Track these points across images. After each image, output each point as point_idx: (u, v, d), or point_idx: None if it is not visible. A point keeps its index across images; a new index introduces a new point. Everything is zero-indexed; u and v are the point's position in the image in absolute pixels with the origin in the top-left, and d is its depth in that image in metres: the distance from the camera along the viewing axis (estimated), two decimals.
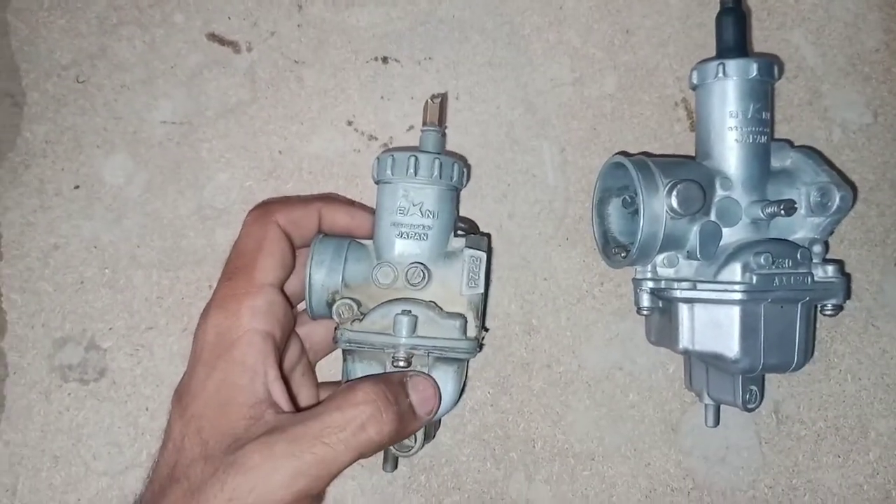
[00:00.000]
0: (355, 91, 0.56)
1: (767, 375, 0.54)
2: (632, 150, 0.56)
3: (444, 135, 0.50)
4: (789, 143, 0.52)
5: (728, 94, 0.48)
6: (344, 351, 0.47)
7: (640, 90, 0.57)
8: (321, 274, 0.46)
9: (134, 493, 0.51)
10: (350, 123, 0.56)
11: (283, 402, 0.41)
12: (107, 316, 0.54)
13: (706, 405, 0.52)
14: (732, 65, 0.48)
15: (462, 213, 0.54)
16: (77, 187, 0.55)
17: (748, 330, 0.46)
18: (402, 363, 0.44)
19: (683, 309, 0.48)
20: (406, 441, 0.46)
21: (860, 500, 0.55)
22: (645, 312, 0.50)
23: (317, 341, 0.50)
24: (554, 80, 0.57)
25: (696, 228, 0.47)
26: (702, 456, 0.55)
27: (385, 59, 0.57)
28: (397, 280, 0.46)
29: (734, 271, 0.46)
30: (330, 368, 0.53)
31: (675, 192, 0.45)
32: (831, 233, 0.50)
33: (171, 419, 0.41)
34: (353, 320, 0.45)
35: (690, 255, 0.48)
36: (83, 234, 0.54)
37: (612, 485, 0.55)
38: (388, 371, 0.45)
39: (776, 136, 0.56)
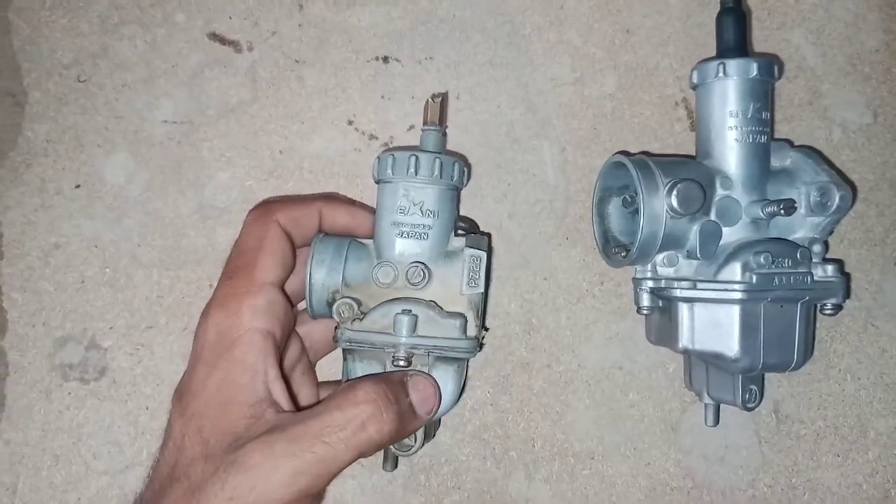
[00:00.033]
0: (356, 90, 0.56)
1: (767, 375, 0.54)
2: (632, 150, 0.56)
3: (444, 134, 0.50)
4: (789, 142, 0.53)
5: (728, 93, 0.48)
6: (344, 350, 0.47)
7: (640, 90, 0.57)
8: (321, 273, 0.46)
9: (134, 492, 0.51)
10: (351, 123, 0.56)
11: (284, 401, 0.41)
12: (107, 315, 0.54)
13: (706, 404, 0.52)
14: (733, 64, 0.48)
15: (462, 213, 0.54)
16: (78, 186, 0.55)
17: (748, 329, 0.46)
18: (402, 362, 0.44)
19: (683, 308, 0.48)
20: (406, 440, 0.46)
21: (859, 500, 0.55)
22: (645, 312, 0.50)
23: (317, 340, 0.51)
24: (554, 80, 0.57)
25: (696, 228, 0.47)
26: (701, 455, 0.56)
27: (386, 59, 0.57)
28: (398, 279, 0.46)
29: (734, 271, 0.46)
30: (330, 368, 0.53)
31: (675, 192, 0.45)
32: (831, 232, 0.50)
33: (171, 418, 0.41)
34: (354, 319, 0.45)
35: (690, 255, 0.48)
36: (84, 234, 0.55)
37: (612, 484, 0.55)
38: (388, 370, 0.45)
39: (776, 135, 0.56)
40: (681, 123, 0.57)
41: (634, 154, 0.51)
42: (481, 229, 0.53)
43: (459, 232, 0.49)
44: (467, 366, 0.48)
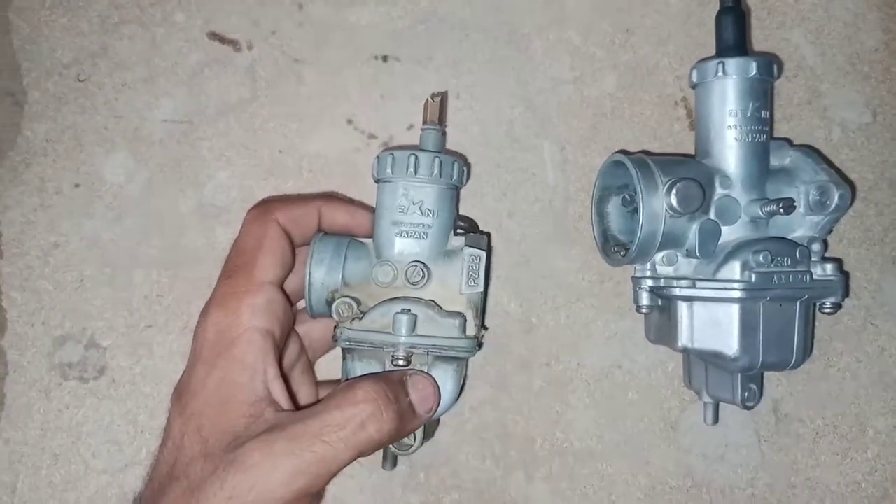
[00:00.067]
0: (355, 90, 0.56)
1: (766, 373, 0.54)
2: (631, 149, 0.56)
3: (444, 133, 0.50)
4: (788, 141, 0.53)
5: (728, 92, 0.48)
6: (343, 349, 0.47)
7: (640, 89, 0.57)
8: (321, 272, 0.46)
9: (133, 491, 0.51)
10: (350, 122, 0.56)
11: (283, 400, 0.41)
12: (106, 314, 0.54)
13: (705, 403, 0.52)
14: (732, 63, 0.48)
15: (462, 212, 0.54)
16: (77, 186, 0.55)
17: (747, 328, 0.46)
18: (401, 362, 0.44)
19: (682, 307, 0.48)
20: (405, 439, 0.46)
21: (859, 498, 0.55)
22: (644, 311, 0.50)
23: (316, 339, 0.51)
24: (554, 79, 0.57)
25: (695, 227, 0.47)
26: (701, 454, 0.56)
27: (385, 58, 0.57)
28: (397, 279, 0.46)
29: (733, 269, 0.46)
30: (329, 367, 0.53)
31: (674, 191, 0.45)
32: (830, 231, 0.50)
33: (170, 417, 0.41)
34: (353, 319, 0.45)
35: (690, 254, 0.48)
36: (83, 233, 0.55)
37: (612, 483, 0.55)
38: (387, 370, 0.45)
39: (776, 134, 0.56)
40: (680, 122, 0.57)
41: (634, 153, 0.51)
42: (481, 228, 0.53)
43: (459, 231, 0.49)
44: (467, 365, 0.48)
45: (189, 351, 0.43)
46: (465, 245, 0.47)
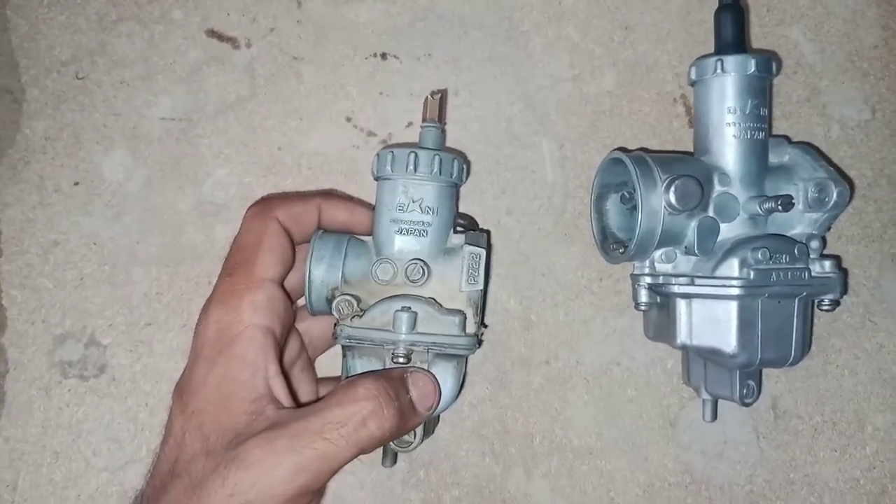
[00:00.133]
0: (354, 87, 0.56)
1: (765, 370, 0.54)
2: (630, 146, 0.56)
3: (443, 131, 0.50)
4: (787, 138, 0.53)
5: (726, 90, 0.48)
6: (343, 347, 0.47)
7: (638, 86, 0.57)
8: (321, 270, 0.46)
9: (134, 489, 0.51)
10: (349, 120, 0.56)
11: (284, 397, 0.41)
12: (106, 312, 0.54)
13: (704, 400, 0.52)
14: (731, 61, 0.48)
15: (461, 209, 0.54)
16: (77, 184, 0.55)
17: (745, 325, 0.46)
18: (401, 359, 0.44)
19: (681, 304, 0.48)
20: (405, 436, 0.46)
21: (857, 495, 0.56)
22: (643, 308, 0.50)
23: (316, 337, 0.51)
24: (553, 77, 0.57)
25: (693, 224, 0.47)
26: (700, 450, 0.56)
27: (384, 56, 0.57)
28: (397, 276, 0.46)
29: (732, 267, 0.46)
30: (329, 364, 0.53)
31: (672, 188, 0.45)
32: (829, 228, 0.50)
33: (171, 415, 0.41)
34: (353, 317, 0.45)
35: (688, 251, 0.48)
36: (83, 231, 0.55)
37: (611, 479, 0.55)
38: (387, 367, 0.45)
39: (775, 132, 0.56)
40: (679, 120, 0.57)
41: (633, 150, 0.51)
42: (480, 225, 0.53)
43: (458, 229, 0.49)
44: (466, 362, 0.48)
45: (189, 348, 0.43)
46: (465, 243, 0.47)
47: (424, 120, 0.49)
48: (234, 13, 0.56)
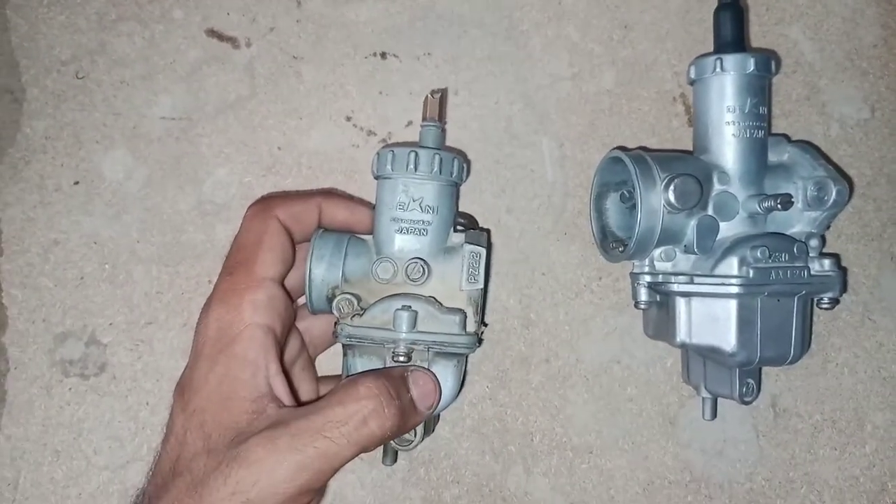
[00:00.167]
0: (354, 86, 0.56)
1: (765, 369, 0.54)
2: (630, 145, 0.56)
3: (443, 130, 0.50)
4: (786, 137, 0.53)
5: (726, 88, 0.48)
6: (344, 346, 0.47)
7: (638, 85, 0.57)
8: (321, 269, 0.46)
9: (135, 487, 0.52)
10: (349, 119, 0.56)
11: (285, 396, 0.41)
12: (107, 311, 0.54)
13: (703, 398, 0.52)
14: (730, 60, 0.48)
15: (460, 208, 0.54)
16: (77, 183, 0.55)
17: (745, 323, 0.46)
18: (402, 358, 0.44)
19: (681, 303, 0.48)
20: (406, 435, 0.46)
21: (857, 493, 0.56)
22: (643, 306, 0.50)
23: (316, 335, 0.51)
24: (553, 76, 0.57)
25: (693, 223, 0.47)
26: (699, 449, 0.56)
27: (384, 55, 0.57)
28: (397, 275, 0.46)
29: (731, 265, 0.46)
30: (330, 363, 0.53)
31: (672, 187, 0.45)
32: (828, 227, 0.50)
33: (172, 413, 0.42)
34: (354, 315, 0.45)
35: (688, 250, 0.48)
36: (83, 230, 0.55)
37: (611, 477, 0.55)
38: (388, 366, 0.45)
39: (774, 130, 0.57)
40: (678, 119, 0.57)
41: (632, 149, 0.51)
42: (480, 225, 0.53)
43: (459, 228, 0.49)
44: (466, 361, 0.49)
45: (190, 347, 0.43)
46: (465, 242, 0.47)
47: (424, 119, 0.49)
48: (234, 13, 0.56)
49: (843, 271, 0.50)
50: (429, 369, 0.45)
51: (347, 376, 0.46)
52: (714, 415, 0.53)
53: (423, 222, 0.47)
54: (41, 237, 0.54)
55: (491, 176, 0.56)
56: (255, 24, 0.56)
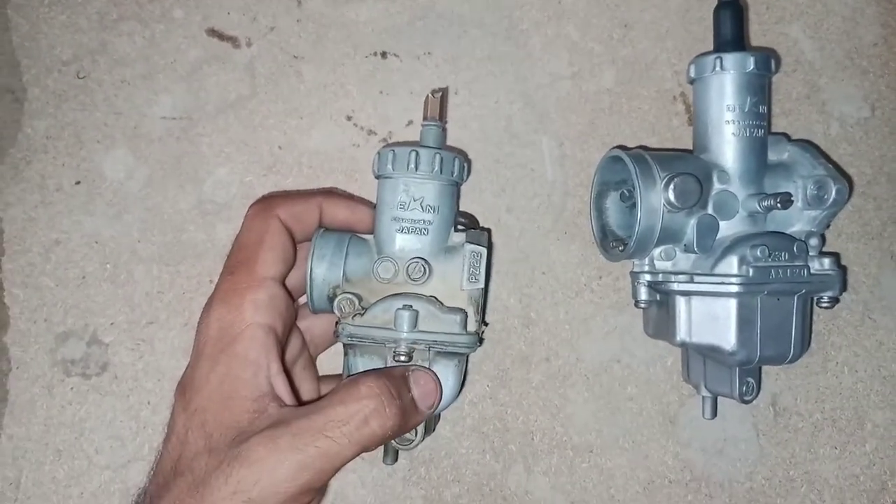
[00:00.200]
0: (354, 86, 0.57)
1: (765, 368, 0.54)
2: (630, 144, 0.57)
3: (444, 130, 0.50)
4: (786, 136, 0.53)
5: (725, 87, 0.48)
6: (345, 345, 0.47)
7: (638, 84, 0.57)
8: (322, 268, 0.46)
9: (137, 487, 0.52)
10: (349, 118, 0.56)
11: (286, 395, 0.41)
12: (108, 311, 0.54)
13: (704, 397, 0.52)
14: (730, 59, 0.48)
15: (461, 208, 0.54)
16: (78, 183, 0.55)
17: (745, 322, 0.47)
18: (403, 357, 0.44)
19: (681, 302, 0.48)
20: (406, 434, 0.46)
21: (857, 491, 0.56)
22: (643, 305, 0.50)
23: (317, 335, 0.51)
24: (552, 75, 0.57)
25: (693, 222, 0.47)
26: (700, 448, 0.56)
27: (384, 54, 0.57)
28: (398, 275, 0.46)
29: (731, 264, 0.46)
30: (330, 362, 0.53)
31: (672, 186, 0.45)
32: (828, 226, 0.50)
33: (174, 413, 0.42)
34: (355, 315, 0.45)
35: (688, 249, 0.48)
36: (84, 230, 0.55)
37: (611, 476, 0.55)
38: (389, 365, 0.45)
39: (775, 130, 0.57)
40: (679, 118, 0.57)
41: (632, 148, 0.51)
42: (480, 224, 0.53)
43: (459, 227, 0.49)
44: (467, 360, 0.49)
45: (191, 346, 0.43)
46: (466, 241, 0.48)
47: (425, 118, 0.49)
48: (234, 12, 0.57)
49: (842, 270, 0.50)
50: (430, 369, 0.46)
51: (348, 376, 0.46)
52: (714, 414, 0.53)
53: (424, 222, 0.47)
54: (42, 237, 0.54)
55: (491, 175, 0.56)
56: (256, 23, 0.57)
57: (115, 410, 0.54)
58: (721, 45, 0.50)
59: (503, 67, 0.57)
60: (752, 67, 0.48)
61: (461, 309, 0.46)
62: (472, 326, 0.46)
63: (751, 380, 0.50)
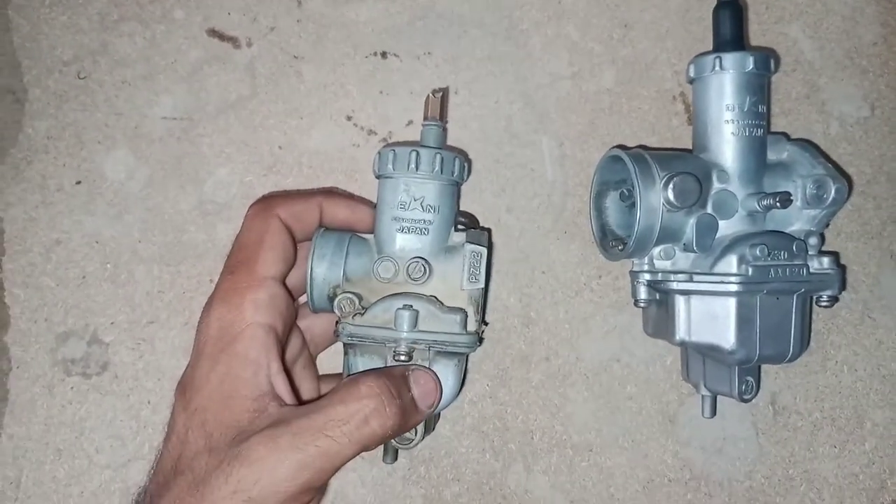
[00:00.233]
0: (354, 86, 0.57)
1: (764, 366, 0.54)
2: (630, 144, 0.57)
3: (445, 130, 0.50)
4: (786, 135, 0.53)
5: (725, 87, 0.48)
6: (345, 345, 0.47)
7: (638, 84, 0.57)
8: (322, 268, 0.47)
9: (137, 486, 0.52)
10: (349, 118, 0.57)
11: (286, 394, 0.41)
12: (109, 310, 0.54)
13: (703, 396, 0.53)
14: (729, 58, 0.48)
15: (461, 207, 0.55)
16: (79, 183, 0.55)
17: (744, 321, 0.47)
18: (403, 357, 0.44)
19: (680, 301, 0.48)
20: (406, 433, 0.47)
21: (856, 490, 0.56)
22: (642, 304, 0.50)
23: (317, 334, 0.51)
24: (552, 75, 0.57)
25: (692, 221, 0.47)
26: (699, 447, 0.56)
27: (384, 54, 0.57)
28: (398, 274, 0.46)
29: (730, 263, 0.47)
30: (330, 361, 0.54)
31: (671, 185, 0.45)
32: (827, 225, 0.50)
33: (174, 412, 0.42)
34: (355, 314, 0.45)
35: (687, 248, 0.48)
36: (85, 230, 0.55)
37: (610, 475, 0.55)
38: (389, 365, 0.45)
39: (775, 129, 0.57)
40: (678, 117, 0.58)
41: (632, 148, 0.51)
42: (480, 224, 0.53)
43: (459, 227, 0.49)
44: (467, 360, 0.49)
45: (191, 346, 0.43)
46: (466, 241, 0.48)
47: (426, 118, 0.49)
48: (234, 13, 0.57)
49: (842, 269, 0.50)
50: (430, 368, 0.46)
51: (348, 375, 0.46)
52: (713, 413, 0.53)
53: (425, 221, 0.47)
54: (43, 237, 0.55)
55: (491, 175, 0.57)
56: (256, 23, 0.57)
57: (115, 410, 0.54)
58: (720, 45, 0.50)
59: (503, 67, 0.57)
60: (751, 67, 0.48)
61: (461, 308, 0.46)
62: (472, 326, 0.46)
63: (750, 379, 0.50)
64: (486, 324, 0.54)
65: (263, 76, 0.56)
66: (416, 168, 0.46)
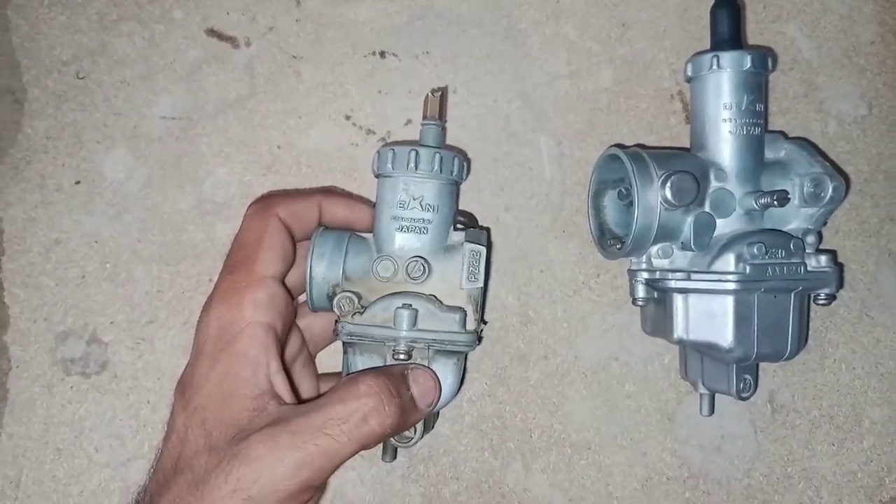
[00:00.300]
0: (353, 85, 0.57)
1: (762, 365, 0.54)
2: (628, 143, 0.57)
3: (444, 129, 0.50)
4: (783, 134, 0.53)
5: (722, 86, 0.49)
6: (344, 343, 0.47)
7: (636, 83, 0.58)
8: (322, 267, 0.47)
9: (136, 485, 0.52)
10: (348, 118, 0.57)
11: (286, 393, 0.42)
12: (108, 310, 0.54)
13: (701, 394, 0.53)
14: (727, 57, 0.48)
15: (459, 206, 0.54)
16: (78, 183, 0.55)
17: (742, 319, 0.47)
18: (402, 356, 0.44)
19: (678, 299, 0.48)
20: (405, 432, 0.47)
21: (854, 488, 0.56)
22: (640, 303, 0.50)
23: (317, 333, 0.51)
24: (551, 74, 0.57)
25: (690, 219, 0.47)
26: (697, 445, 0.56)
27: (383, 54, 0.57)
28: (397, 273, 0.46)
29: (728, 261, 0.47)
30: (330, 360, 0.54)
31: (669, 184, 0.46)
32: (824, 223, 0.51)
33: (174, 411, 0.42)
34: (354, 313, 0.46)
35: (685, 246, 0.48)
36: (84, 229, 0.55)
37: (609, 474, 0.56)
38: (388, 363, 0.45)
39: (772, 128, 0.57)
40: (676, 116, 0.58)
41: (630, 147, 0.51)
42: (479, 223, 0.53)
43: (459, 226, 0.49)
44: (466, 358, 0.49)
45: (191, 345, 0.43)
46: (466, 240, 0.48)
47: (425, 117, 0.49)
48: (233, 12, 0.57)
49: (839, 267, 0.50)
50: (429, 367, 0.46)
51: (348, 374, 0.46)
52: (712, 411, 0.53)
53: (424, 221, 0.47)
54: (42, 237, 0.55)
55: (489, 174, 0.57)
56: (255, 23, 0.57)
57: (114, 409, 0.54)
58: (718, 44, 0.50)
59: (501, 67, 0.57)
60: (748, 66, 0.48)
61: (460, 307, 0.46)
62: (471, 325, 0.46)
63: (748, 377, 0.50)
64: (485, 322, 0.54)
65: (262, 76, 0.56)
66: (416, 167, 0.46)
